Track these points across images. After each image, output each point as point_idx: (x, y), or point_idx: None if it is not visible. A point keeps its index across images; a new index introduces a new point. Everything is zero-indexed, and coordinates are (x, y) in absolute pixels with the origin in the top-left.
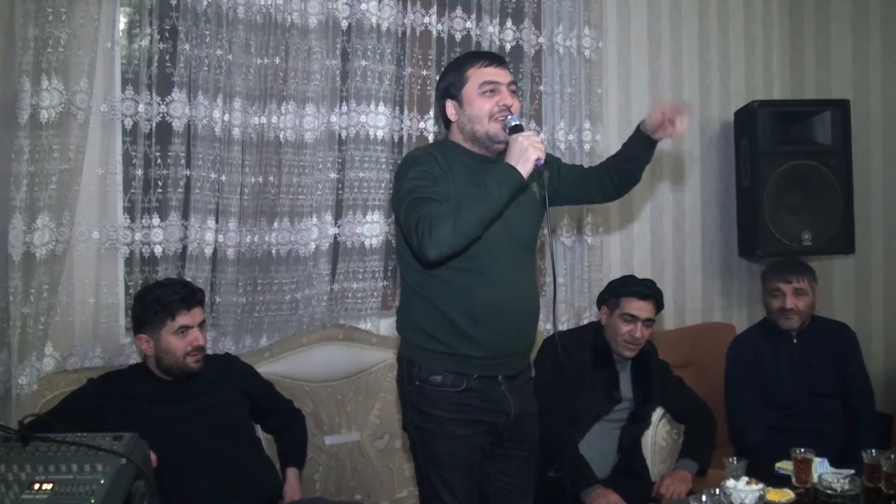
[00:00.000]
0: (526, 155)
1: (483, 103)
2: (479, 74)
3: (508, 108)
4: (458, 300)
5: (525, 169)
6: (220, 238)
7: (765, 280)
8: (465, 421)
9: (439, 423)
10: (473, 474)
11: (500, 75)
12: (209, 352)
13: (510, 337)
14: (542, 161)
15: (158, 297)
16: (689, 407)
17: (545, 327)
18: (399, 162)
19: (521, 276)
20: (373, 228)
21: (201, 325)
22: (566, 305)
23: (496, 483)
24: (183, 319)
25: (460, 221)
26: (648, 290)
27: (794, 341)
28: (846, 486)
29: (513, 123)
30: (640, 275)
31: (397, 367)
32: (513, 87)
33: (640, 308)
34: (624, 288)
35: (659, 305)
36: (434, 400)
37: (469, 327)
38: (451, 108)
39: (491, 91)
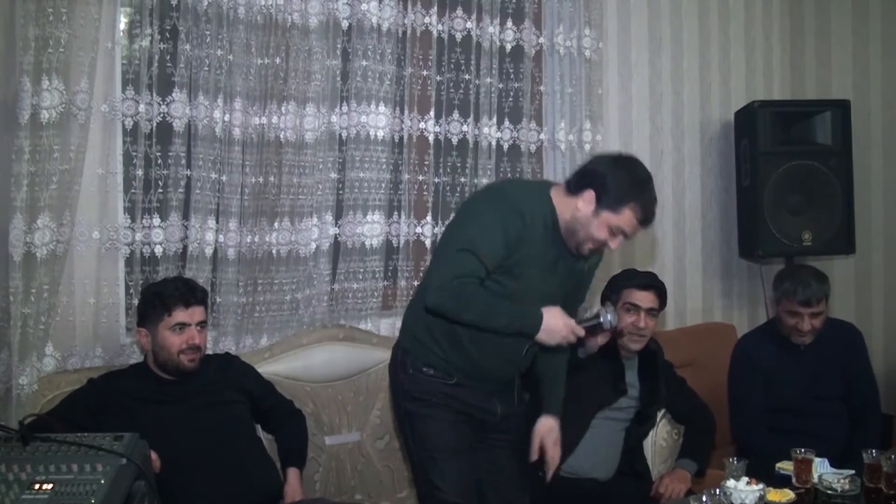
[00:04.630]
0: (554, 336)
1: (606, 236)
2: (631, 223)
3: (604, 245)
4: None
5: (540, 338)
6: (221, 238)
7: (781, 294)
8: (456, 410)
9: (431, 407)
10: (464, 463)
11: (645, 299)
12: (209, 351)
13: (503, 372)
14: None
15: (158, 292)
16: (691, 408)
17: None
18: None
19: None
20: (373, 228)
21: (201, 324)
22: None
23: (488, 480)
24: (180, 316)
25: (472, 315)
26: (648, 281)
27: (801, 347)
28: (846, 487)
29: (599, 321)
30: None
31: (391, 355)
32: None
33: (641, 298)
34: (624, 281)
35: (662, 297)
36: (426, 388)
37: (473, 350)
38: (589, 201)
39: (615, 234)
